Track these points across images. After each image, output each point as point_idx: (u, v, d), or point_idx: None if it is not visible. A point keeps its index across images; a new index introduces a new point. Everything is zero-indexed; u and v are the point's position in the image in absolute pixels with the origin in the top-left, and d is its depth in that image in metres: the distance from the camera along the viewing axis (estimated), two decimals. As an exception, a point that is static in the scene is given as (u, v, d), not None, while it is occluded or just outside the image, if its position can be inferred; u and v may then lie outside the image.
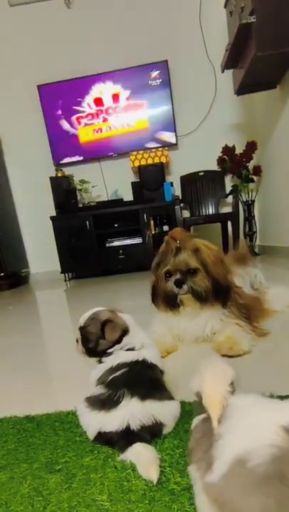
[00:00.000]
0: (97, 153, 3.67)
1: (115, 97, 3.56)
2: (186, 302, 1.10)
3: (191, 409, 0.75)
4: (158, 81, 3.50)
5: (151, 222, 3.44)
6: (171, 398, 0.72)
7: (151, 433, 0.65)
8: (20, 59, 3.62)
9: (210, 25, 3.36)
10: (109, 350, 0.77)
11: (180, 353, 1.14)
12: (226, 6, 2.69)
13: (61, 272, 3.58)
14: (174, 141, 3.60)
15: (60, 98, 3.60)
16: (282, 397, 0.75)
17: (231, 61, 2.65)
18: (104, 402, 0.67)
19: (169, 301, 1.12)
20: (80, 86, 3.57)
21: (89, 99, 3.58)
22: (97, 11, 3.50)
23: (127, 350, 0.75)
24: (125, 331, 0.78)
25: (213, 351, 1.07)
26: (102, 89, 3.54)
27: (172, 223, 3.37)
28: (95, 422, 0.67)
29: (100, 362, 0.77)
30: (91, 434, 0.68)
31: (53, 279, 3.78)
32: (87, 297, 2.75)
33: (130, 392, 0.67)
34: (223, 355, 1.01)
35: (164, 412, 0.68)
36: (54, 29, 3.55)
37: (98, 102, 3.58)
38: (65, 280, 3.61)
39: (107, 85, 3.53)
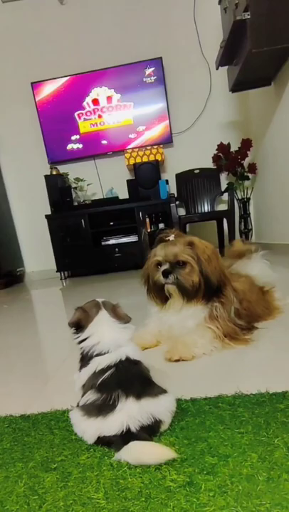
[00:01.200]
0: (94, 143, 3.67)
1: (109, 99, 3.58)
2: (173, 294, 1.09)
3: (186, 407, 0.75)
4: (152, 78, 3.49)
5: (147, 220, 3.43)
6: (164, 392, 0.71)
7: (150, 432, 0.64)
8: (13, 56, 3.59)
9: (204, 21, 3.36)
10: (82, 348, 0.76)
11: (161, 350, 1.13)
12: (220, 2, 2.68)
13: (57, 271, 3.57)
14: (168, 138, 3.59)
15: (54, 96, 3.58)
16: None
17: (226, 58, 2.65)
18: (100, 408, 0.65)
19: (157, 292, 1.12)
20: (74, 85, 3.56)
21: (88, 100, 3.60)
22: (90, 7, 3.48)
23: (98, 355, 0.73)
24: (80, 324, 0.77)
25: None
26: (99, 92, 3.58)
27: (168, 221, 3.36)
28: (92, 430, 0.65)
29: (80, 368, 0.75)
30: (89, 440, 0.67)
31: (49, 278, 3.77)
32: (82, 296, 2.74)
33: (125, 393, 0.65)
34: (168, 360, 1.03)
35: (161, 408, 0.67)
36: (47, 26, 3.53)
37: (95, 102, 3.61)
38: (61, 279, 3.60)
39: (103, 89, 3.56)
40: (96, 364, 0.72)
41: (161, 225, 3.45)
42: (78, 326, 0.78)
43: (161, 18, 3.45)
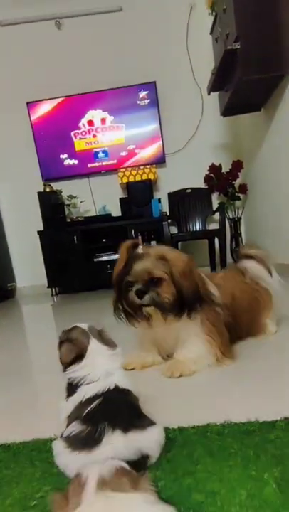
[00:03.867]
0: (88, 161, 3.73)
1: (103, 120, 3.67)
2: (152, 314, 1.01)
3: (174, 436, 0.73)
4: (146, 101, 3.60)
5: (139, 237, 3.45)
6: (152, 423, 0.68)
7: (136, 467, 0.60)
8: (10, 76, 3.66)
9: (196, 49, 3.49)
10: (69, 377, 0.73)
11: (154, 373, 1.10)
12: (211, 32, 2.81)
13: (48, 287, 3.55)
14: (161, 158, 3.68)
15: (49, 115, 3.66)
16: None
17: (217, 84, 2.76)
18: (85, 441, 0.62)
19: (135, 313, 1.03)
20: (69, 105, 3.65)
21: (84, 121, 3.68)
22: (86, 33, 3.60)
23: (86, 384, 0.70)
24: (79, 356, 0.73)
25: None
26: (94, 114, 3.67)
27: (160, 239, 3.40)
28: (76, 464, 0.60)
29: (67, 397, 0.72)
30: (71, 475, 0.61)
31: (40, 294, 3.74)
32: (73, 312, 2.73)
33: (111, 425, 0.62)
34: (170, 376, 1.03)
35: (149, 442, 0.64)
36: (44, 48, 3.62)
37: (90, 123, 3.69)
38: (52, 295, 3.58)
39: (98, 111, 3.66)
40: (83, 393, 0.69)
41: (153, 243, 3.48)
42: (73, 362, 0.74)
43: (155, 45, 3.58)
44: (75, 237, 3.47)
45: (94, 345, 0.75)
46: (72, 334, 0.76)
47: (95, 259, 3.55)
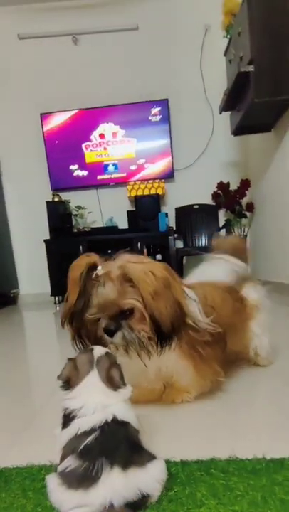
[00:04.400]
0: (98, 173, 3.78)
1: (114, 134, 3.74)
2: (127, 353, 0.82)
3: (176, 471, 0.68)
4: (158, 117, 3.66)
5: (145, 250, 3.48)
6: (153, 458, 0.63)
7: (135, 508, 0.57)
8: (25, 87, 3.75)
9: (210, 69, 3.57)
10: (64, 407, 0.68)
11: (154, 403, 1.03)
12: (225, 54, 2.88)
13: (51, 295, 3.56)
14: (170, 173, 3.72)
15: (62, 127, 3.73)
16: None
17: (229, 104, 2.80)
18: (81, 478, 0.57)
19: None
20: (82, 118, 3.71)
21: (95, 134, 3.75)
22: (102, 49, 3.69)
23: (80, 417, 0.65)
24: (68, 382, 0.69)
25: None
26: (106, 128, 3.74)
27: (165, 253, 3.41)
28: (71, 503, 0.57)
29: (62, 428, 0.68)
30: None
31: (43, 301, 3.74)
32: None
33: (109, 462, 0.58)
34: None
35: (150, 480, 0.60)
36: (60, 63, 3.71)
37: (101, 136, 3.75)
38: (55, 303, 3.57)
39: (109, 125, 3.73)
40: (77, 426, 0.64)
41: (158, 256, 3.49)
42: (67, 383, 0.70)
43: (169, 63, 3.66)
44: (80, 247, 3.48)
45: (91, 379, 0.69)
46: (79, 357, 0.72)
47: (99, 270, 3.55)
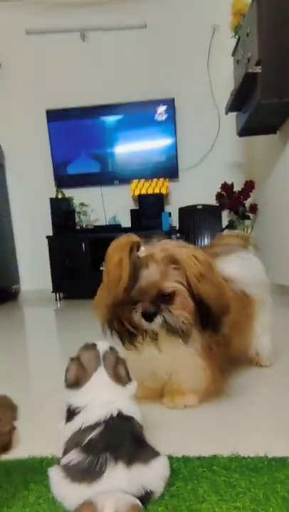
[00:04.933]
0: (103, 170, 3.79)
1: (120, 131, 3.73)
2: (160, 336, 0.80)
3: (178, 467, 0.68)
4: (164, 116, 3.65)
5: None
6: (156, 455, 0.64)
7: None
8: (32, 83, 3.74)
9: (217, 69, 3.55)
10: (68, 403, 0.68)
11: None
12: (233, 54, 2.87)
13: (52, 291, 3.56)
14: (175, 173, 3.71)
15: (67, 124, 3.73)
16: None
17: (235, 105, 2.80)
18: (85, 472, 0.58)
19: (137, 336, 0.80)
20: (88, 116, 3.71)
21: (101, 131, 3.74)
22: (110, 46, 3.67)
23: (87, 412, 0.65)
24: (80, 382, 0.69)
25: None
26: (111, 125, 3.73)
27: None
28: (75, 496, 0.57)
29: (66, 422, 0.68)
30: (69, 507, 0.58)
31: (44, 298, 3.74)
32: (75, 318, 2.74)
33: (114, 457, 0.58)
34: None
35: (153, 477, 0.60)
36: (67, 59, 3.70)
37: (107, 133, 3.74)
38: (56, 300, 3.58)
39: (115, 123, 3.72)
40: (81, 420, 0.64)
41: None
42: (75, 385, 0.70)
43: (177, 63, 3.65)
44: (83, 244, 3.49)
45: (99, 376, 0.69)
46: (84, 355, 0.72)
47: (101, 268, 3.55)
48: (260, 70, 2.28)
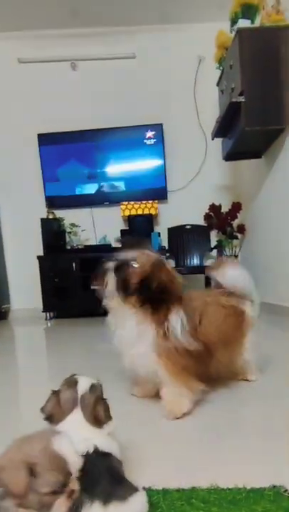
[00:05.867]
0: (93, 190, 3.86)
1: (109, 154, 3.85)
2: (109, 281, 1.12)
3: (157, 501, 0.67)
4: (152, 140, 3.78)
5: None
6: (135, 490, 0.62)
7: None
8: (24, 109, 3.82)
9: (203, 97, 3.72)
10: None
11: (138, 428, 1.04)
12: (218, 84, 3.03)
13: (43, 311, 3.56)
14: (164, 194, 3.81)
15: (58, 147, 3.83)
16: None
17: (221, 131, 2.93)
18: None
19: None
20: (79, 140, 3.82)
21: (91, 154, 3.84)
22: (100, 75, 3.81)
23: None
24: (54, 419, 0.68)
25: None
26: (101, 148, 3.85)
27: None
28: None
29: None
30: None
31: (34, 317, 3.73)
32: (64, 337, 2.74)
33: (89, 496, 0.56)
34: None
35: None
36: (59, 87, 3.81)
37: (97, 155, 3.85)
38: (46, 319, 3.57)
39: (105, 146, 3.83)
40: None
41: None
42: (50, 417, 0.70)
43: (165, 91, 3.79)
44: (73, 264, 3.52)
45: (74, 418, 0.68)
46: (64, 394, 0.71)
47: (92, 287, 3.57)
48: (243, 100, 2.41)
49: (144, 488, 0.67)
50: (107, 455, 0.64)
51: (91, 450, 0.62)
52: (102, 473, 0.60)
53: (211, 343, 1.11)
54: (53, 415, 0.69)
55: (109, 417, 0.70)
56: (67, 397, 0.70)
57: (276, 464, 0.81)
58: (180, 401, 1.06)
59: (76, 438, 0.63)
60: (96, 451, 0.63)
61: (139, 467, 0.77)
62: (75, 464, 0.56)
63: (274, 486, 0.71)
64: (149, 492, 0.68)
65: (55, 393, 0.71)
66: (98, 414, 0.69)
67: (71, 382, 0.72)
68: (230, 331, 1.19)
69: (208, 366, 1.13)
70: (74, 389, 0.70)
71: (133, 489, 0.62)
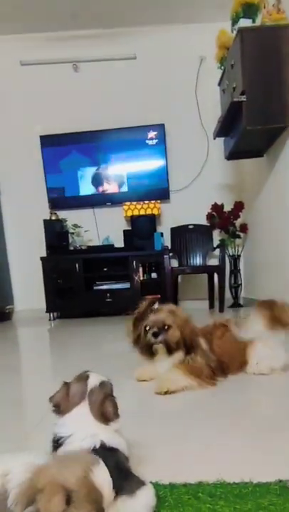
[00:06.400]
0: (96, 190, 3.89)
1: (112, 155, 3.87)
2: (159, 351, 1.38)
3: (164, 495, 0.68)
4: (154, 141, 3.79)
5: (140, 268, 3.53)
6: (142, 485, 0.62)
7: None
8: (27, 111, 3.85)
9: (204, 97, 3.72)
10: (53, 432, 0.68)
11: (145, 421, 1.08)
12: (219, 84, 3.03)
13: (46, 311, 3.57)
14: (166, 194, 3.82)
15: (61, 148, 3.84)
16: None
17: (223, 131, 2.93)
18: None
19: (146, 350, 1.40)
20: (81, 141, 3.83)
21: (93, 155, 3.86)
22: (102, 76, 3.83)
23: (71, 443, 0.64)
24: (62, 410, 0.69)
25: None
26: (103, 149, 3.87)
27: (160, 271, 3.47)
28: None
29: (51, 453, 0.67)
30: None
31: (38, 317, 3.75)
32: (68, 337, 2.75)
33: None
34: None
35: (139, 508, 0.59)
36: (61, 88, 3.83)
37: (99, 157, 3.87)
38: (50, 319, 3.59)
39: (107, 147, 3.85)
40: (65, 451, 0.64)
41: (153, 275, 3.56)
42: (58, 408, 0.71)
43: (166, 91, 3.81)
44: (76, 264, 3.53)
45: (80, 411, 0.69)
46: (73, 386, 0.72)
47: (95, 287, 3.60)
48: (244, 99, 2.42)
49: (151, 483, 0.67)
50: (114, 450, 0.65)
51: (98, 446, 0.63)
52: (110, 469, 0.60)
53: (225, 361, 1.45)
54: (60, 405, 0.70)
55: (116, 415, 0.71)
56: (77, 390, 0.71)
57: (282, 459, 0.82)
58: (169, 381, 1.32)
59: (82, 433, 0.66)
60: (103, 446, 0.63)
61: (146, 463, 0.78)
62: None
63: (280, 481, 0.72)
64: (156, 487, 0.68)
65: (66, 385, 0.73)
66: (106, 410, 0.70)
67: (82, 377, 0.74)
68: (236, 352, 1.48)
69: (221, 368, 1.44)
70: (84, 383, 0.72)
71: (140, 483, 0.63)
